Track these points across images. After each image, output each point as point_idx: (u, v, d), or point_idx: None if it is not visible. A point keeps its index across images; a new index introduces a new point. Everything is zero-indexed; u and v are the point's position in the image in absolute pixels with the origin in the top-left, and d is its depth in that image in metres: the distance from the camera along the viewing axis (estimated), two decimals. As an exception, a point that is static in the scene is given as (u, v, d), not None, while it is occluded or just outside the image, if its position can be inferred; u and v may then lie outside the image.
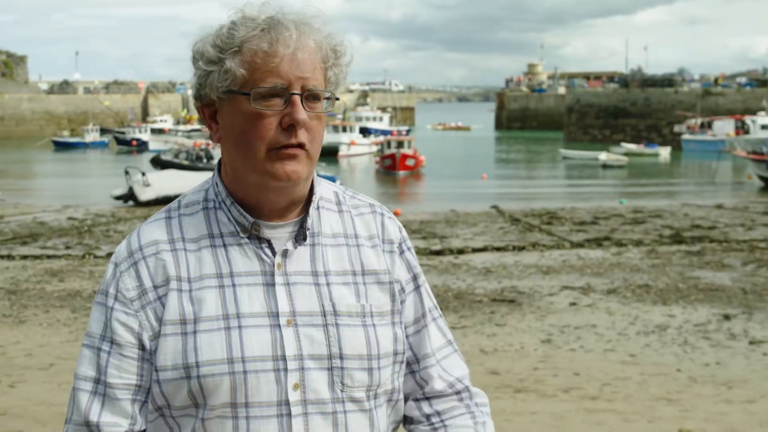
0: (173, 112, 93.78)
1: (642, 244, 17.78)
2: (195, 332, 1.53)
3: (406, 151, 44.22)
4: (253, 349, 1.52)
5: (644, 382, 8.05)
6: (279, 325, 1.54)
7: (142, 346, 1.55)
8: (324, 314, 1.57)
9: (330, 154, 54.24)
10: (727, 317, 10.88)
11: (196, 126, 71.96)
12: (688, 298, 12.20)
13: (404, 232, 1.76)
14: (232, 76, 1.53)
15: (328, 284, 1.60)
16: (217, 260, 1.58)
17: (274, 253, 1.59)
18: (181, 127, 77.78)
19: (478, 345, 9.58)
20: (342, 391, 1.56)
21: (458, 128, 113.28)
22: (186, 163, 36.45)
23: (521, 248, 17.29)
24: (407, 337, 1.71)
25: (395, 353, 1.66)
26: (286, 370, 1.52)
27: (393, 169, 42.75)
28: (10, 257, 15.98)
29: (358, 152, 58.31)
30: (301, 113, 1.54)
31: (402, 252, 1.73)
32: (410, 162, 43.43)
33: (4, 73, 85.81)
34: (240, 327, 1.53)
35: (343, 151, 57.09)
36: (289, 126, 1.54)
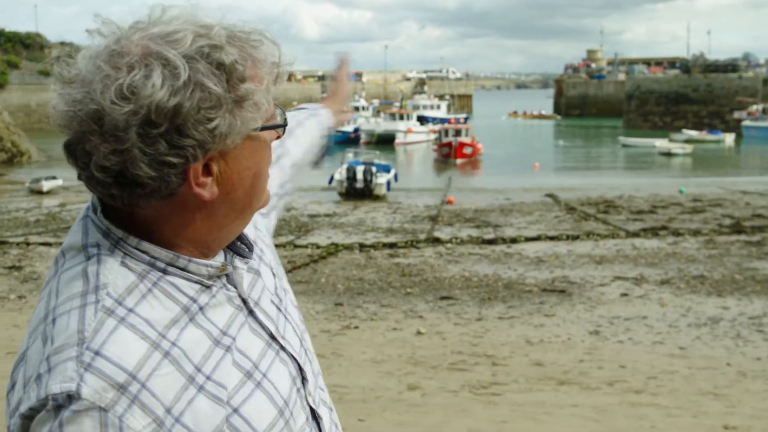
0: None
1: (700, 233, 17.45)
2: (236, 410, 1.29)
3: (463, 139, 44.31)
4: (285, 386, 1.38)
5: (691, 376, 7.91)
6: (281, 347, 1.41)
7: None
8: (278, 308, 1.47)
9: (387, 141, 54.30)
10: (783, 310, 10.65)
11: None
12: (744, 289, 11.95)
13: None
14: (262, 110, 1.28)
15: (265, 283, 1.47)
16: (204, 328, 1.30)
17: (231, 283, 1.38)
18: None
19: (525, 336, 9.52)
20: (313, 365, 1.50)
21: (541, 117, 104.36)
22: None
23: (575, 237, 17.11)
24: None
25: None
26: (303, 383, 1.43)
27: (450, 157, 42.80)
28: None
29: (415, 140, 58.24)
30: None
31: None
32: (467, 150, 43.47)
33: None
34: (264, 375, 1.35)
35: (399, 138, 57.13)
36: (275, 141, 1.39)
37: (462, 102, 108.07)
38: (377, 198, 25.70)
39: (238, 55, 1.24)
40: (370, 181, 25.95)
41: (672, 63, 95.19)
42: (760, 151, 50.76)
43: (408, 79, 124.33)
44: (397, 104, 75.05)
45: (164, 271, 1.28)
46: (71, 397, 1.14)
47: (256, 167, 1.32)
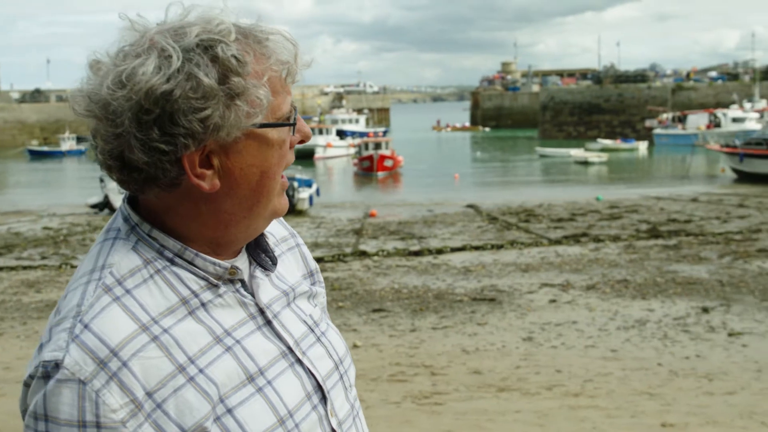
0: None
1: (619, 239, 17.88)
2: (230, 410, 1.28)
3: (383, 152, 44.50)
4: (292, 398, 1.35)
5: (626, 377, 8.09)
6: (297, 360, 1.39)
7: None
8: (312, 329, 1.46)
9: (306, 156, 54.18)
10: (705, 310, 10.97)
11: None
12: (666, 292, 12.28)
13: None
14: (262, 106, 1.28)
15: (295, 299, 1.48)
16: (205, 324, 1.31)
17: (248, 291, 1.39)
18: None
19: (460, 345, 9.59)
20: (350, 393, 1.50)
21: (464, 128, 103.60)
22: None
23: (500, 247, 17.33)
24: None
25: None
26: (323, 399, 1.41)
27: (371, 170, 42.93)
28: (-15, 269, 15.82)
29: (335, 154, 58.29)
30: (306, 125, 1.40)
31: (299, 245, 1.63)
32: (388, 163, 43.67)
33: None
34: (269, 382, 1.33)
35: (319, 153, 57.07)
36: (295, 145, 1.40)
37: (380, 115, 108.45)
38: (300, 213, 25.55)
39: (240, 50, 1.26)
40: (293, 196, 25.77)
41: (584, 74, 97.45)
42: (671, 158, 52.30)
43: (325, 94, 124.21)
44: (316, 119, 74.97)
45: (171, 261, 1.32)
46: (58, 365, 1.19)
47: (262, 165, 1.32)
